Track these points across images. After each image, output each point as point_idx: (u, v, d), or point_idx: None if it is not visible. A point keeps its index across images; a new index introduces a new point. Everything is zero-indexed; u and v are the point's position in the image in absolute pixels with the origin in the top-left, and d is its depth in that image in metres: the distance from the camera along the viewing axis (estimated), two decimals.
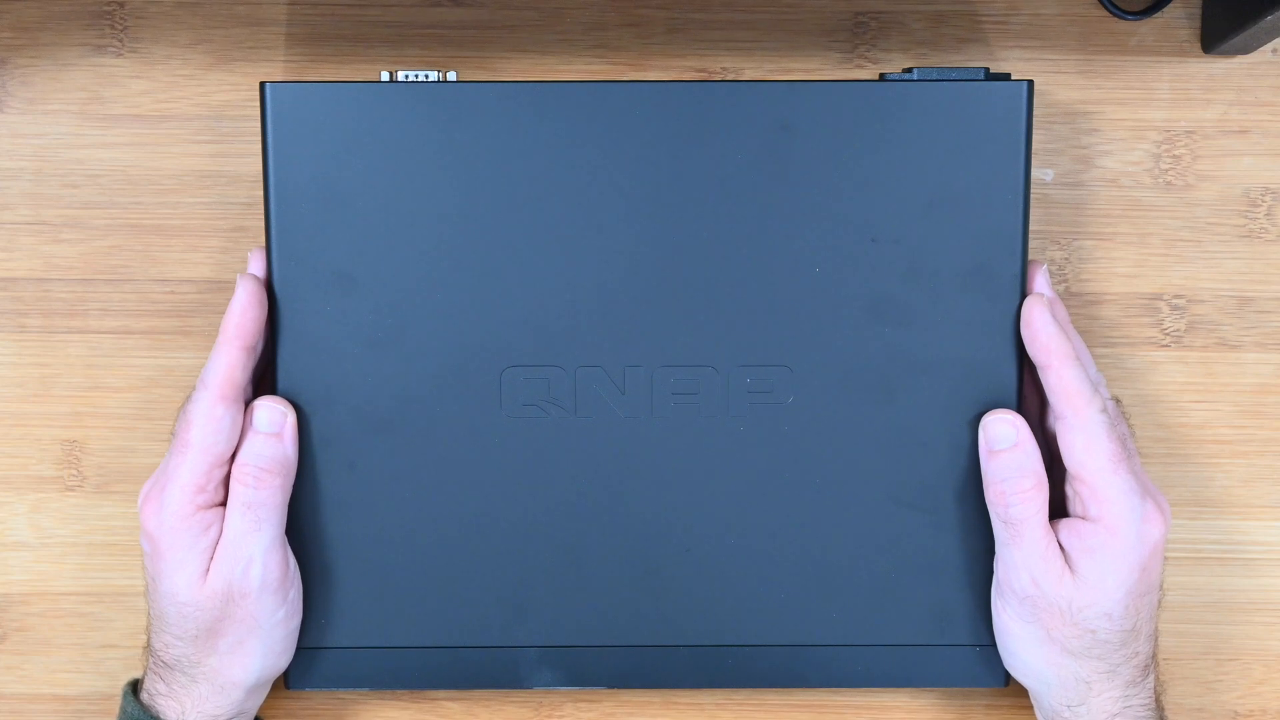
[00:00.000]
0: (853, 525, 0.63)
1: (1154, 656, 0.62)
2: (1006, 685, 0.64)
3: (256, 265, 0.62)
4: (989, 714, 0.69)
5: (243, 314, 0.60)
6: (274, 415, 0.61)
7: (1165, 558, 0.62)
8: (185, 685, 0.61)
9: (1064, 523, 0.61)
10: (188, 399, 0.61)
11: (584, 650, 0.64)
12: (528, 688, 0.64)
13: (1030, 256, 0.62)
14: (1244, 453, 0.69)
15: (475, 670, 0.64)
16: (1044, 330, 0.60)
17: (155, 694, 0.62)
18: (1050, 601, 0.60)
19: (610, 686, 0.65)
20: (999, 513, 0.61)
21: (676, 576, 0.63)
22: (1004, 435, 0.61)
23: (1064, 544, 0.60)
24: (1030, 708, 0.65)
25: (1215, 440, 0.69)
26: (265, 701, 0.68)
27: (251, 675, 0.61)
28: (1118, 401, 0.63)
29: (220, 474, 0.60)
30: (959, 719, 0.69)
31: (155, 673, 0.62)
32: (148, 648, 0.63)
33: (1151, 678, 0.62)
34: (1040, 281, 0.62)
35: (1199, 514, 0.69)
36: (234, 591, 0.60)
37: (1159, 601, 0.62)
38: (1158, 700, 0.62)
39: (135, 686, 0.64)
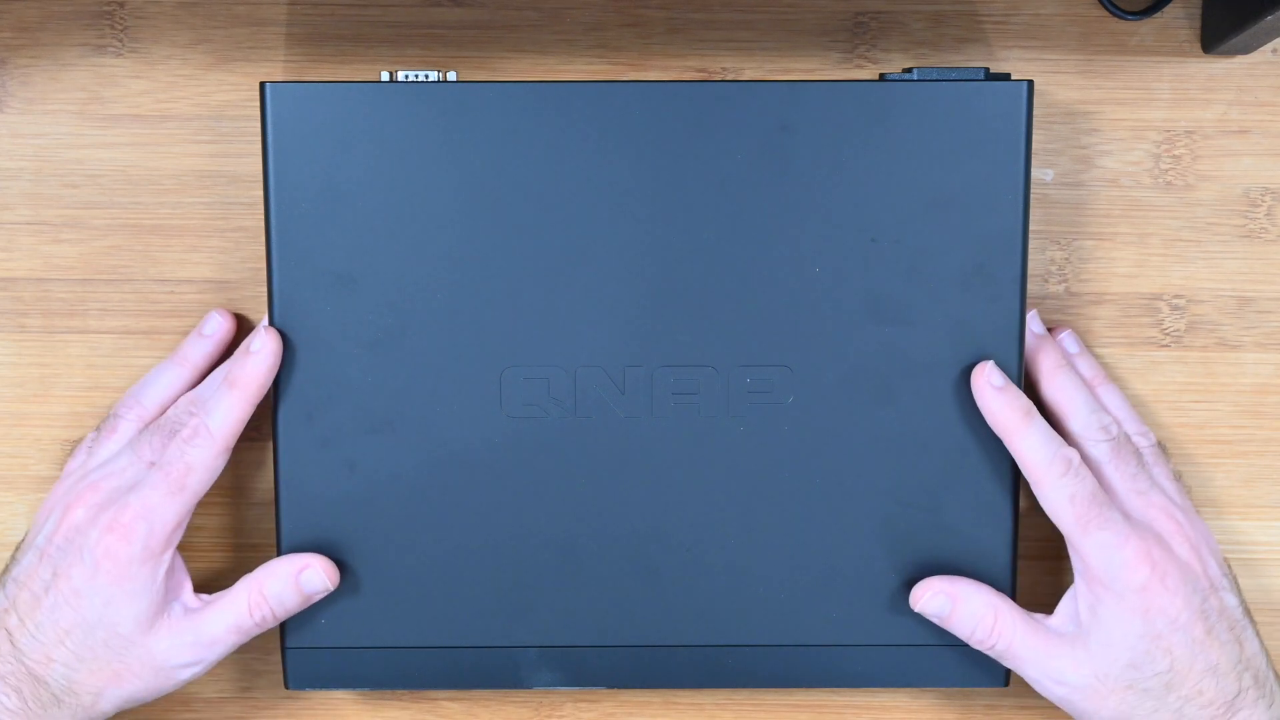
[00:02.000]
0: (853, 525, 0.63)
1: (1244, 688, 0.59)
2: (1007, 685, 0.64)
3: (272, 336, 0.61)
4: (989, 714, 0.69)
5: (268, 372, 0.61)
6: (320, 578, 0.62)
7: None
8: (45, 705, 0.59)
9: (1066, 596, 0.62)
10: (175, 426, 0.61)
11: (584, 650, 0.64)
12: (528, 688, 0.64)
13: (1030, 256, 0.62)
14: (1244, 453, 0.69)
15: (475, 670, 0.64)
16: (989, 404, 0.61)
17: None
18: (1082, 684, 0.60)
19: (610, 686, 0.65)
20: (993, 657, 0.62)
21: (676, 576, 0.63)
22: (938, 610, 0.62)
23: (1075, 611, 0.61)
24: (1031, 707, 0.65)
25: (1215, 440, 0.69)
26: (266, 701, 0.68)
27: (119, 707, 0.61)
28: (1124, 436, 0.63)
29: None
30: (959, 719, 0.69)
31: (9, 685, 0.59)
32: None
33: (1247, 713, 0.59)
34: (1030, 323, 0.64)
35: (1199, 514, 0.69)
36: (172, 660, 0.60)
37: (1215, 631, 0.60)
38: None
39: None
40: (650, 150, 0.61)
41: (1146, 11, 0.67)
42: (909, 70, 0.62)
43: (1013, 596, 0.63)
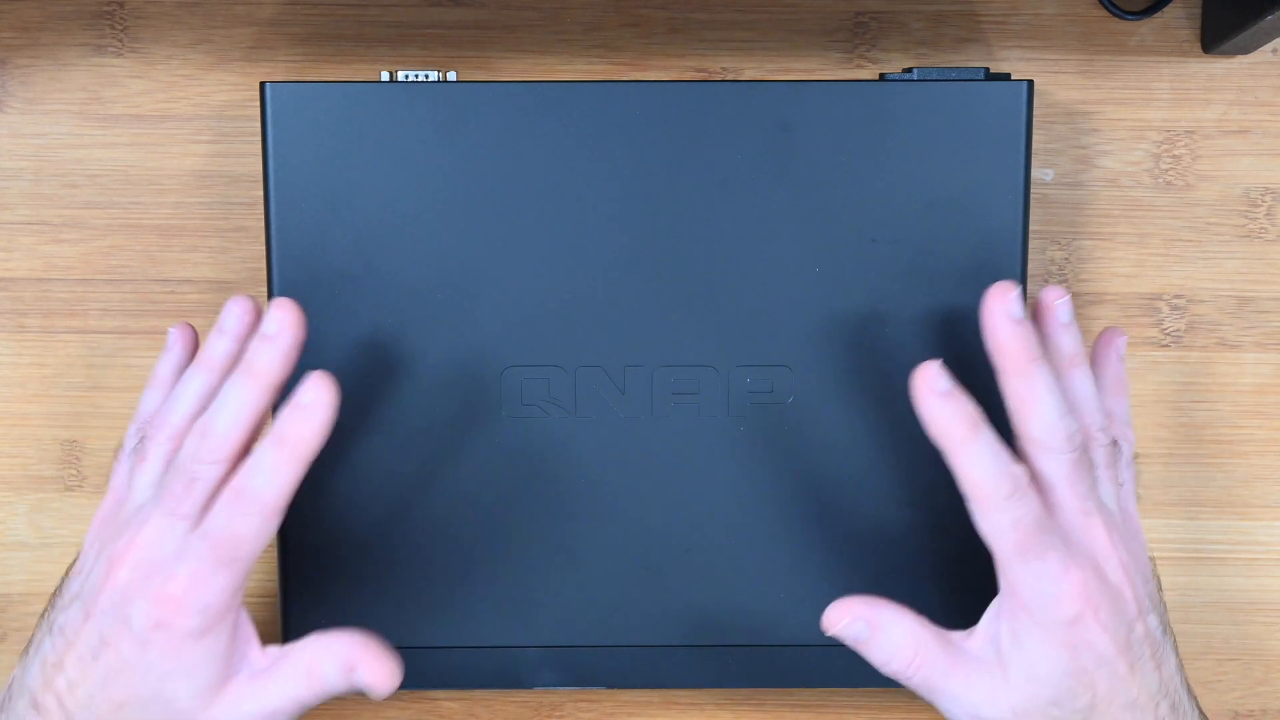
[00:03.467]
0: (853, 525, 0.63)
1: (1161, 718, 0.57)
2: None
3: (326, 387, 0.55)
4: None
5: (323, 430, 0.54)
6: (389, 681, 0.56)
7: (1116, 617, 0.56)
8: None
9: (973, 634, 0.58)
10: (195, 474, 0.55)
11: (584, 650, 0.64)
12: (528, 688, 0.64)
13: (1030, 256, 0.62)
14: (1244, 453, 0.69)
15: (475, 670, 0.64)
16: (931, 412, 0.55)
17: None
18: (1002, 717, 0.57)
19: (610, 686, 0.65)
20: (910, 687, 0.58)
21: (676, 576, 0.63)
22: (854, 636, 0.57)
23: (996, 635, 0.57)
24: None
25: (1215, 440, 0.69)
26: None
27: None
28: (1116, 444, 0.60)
29: None
30: None
31: None
32: (34, 710, 0.55)
33: None
34: (995, 297, 0.56)
35: (1199, 514, 0.69)
36: None
37: (1139, 663, 0.57)
38: None
39: None
40: (650, 150, 0.61)
41: (1146, 11, 0.67)
42: (909, 70, 0.62)
43: None
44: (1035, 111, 0.63)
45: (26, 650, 0.58)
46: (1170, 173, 0.68)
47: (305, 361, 0.62)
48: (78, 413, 0.68)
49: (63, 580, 0.58)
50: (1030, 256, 0.63)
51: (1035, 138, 0.64)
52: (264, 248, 0.62)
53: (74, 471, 0.69)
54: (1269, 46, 0.67)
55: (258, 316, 0.59)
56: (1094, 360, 0.62)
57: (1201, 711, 0.59)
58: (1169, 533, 0.69)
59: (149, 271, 0.68)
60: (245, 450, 0.56)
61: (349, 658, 0.56)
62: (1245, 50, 0.66)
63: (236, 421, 0.55)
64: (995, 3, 0.67)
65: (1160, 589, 0.59)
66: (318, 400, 0.54)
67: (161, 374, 0.61)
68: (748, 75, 0.67)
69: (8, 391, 0.68)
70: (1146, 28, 0.67)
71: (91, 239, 0.68)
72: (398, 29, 0.67)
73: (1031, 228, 0.64)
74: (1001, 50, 0.67)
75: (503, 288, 0.61)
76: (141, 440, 0.59)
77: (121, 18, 0.67)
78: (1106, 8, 0.67)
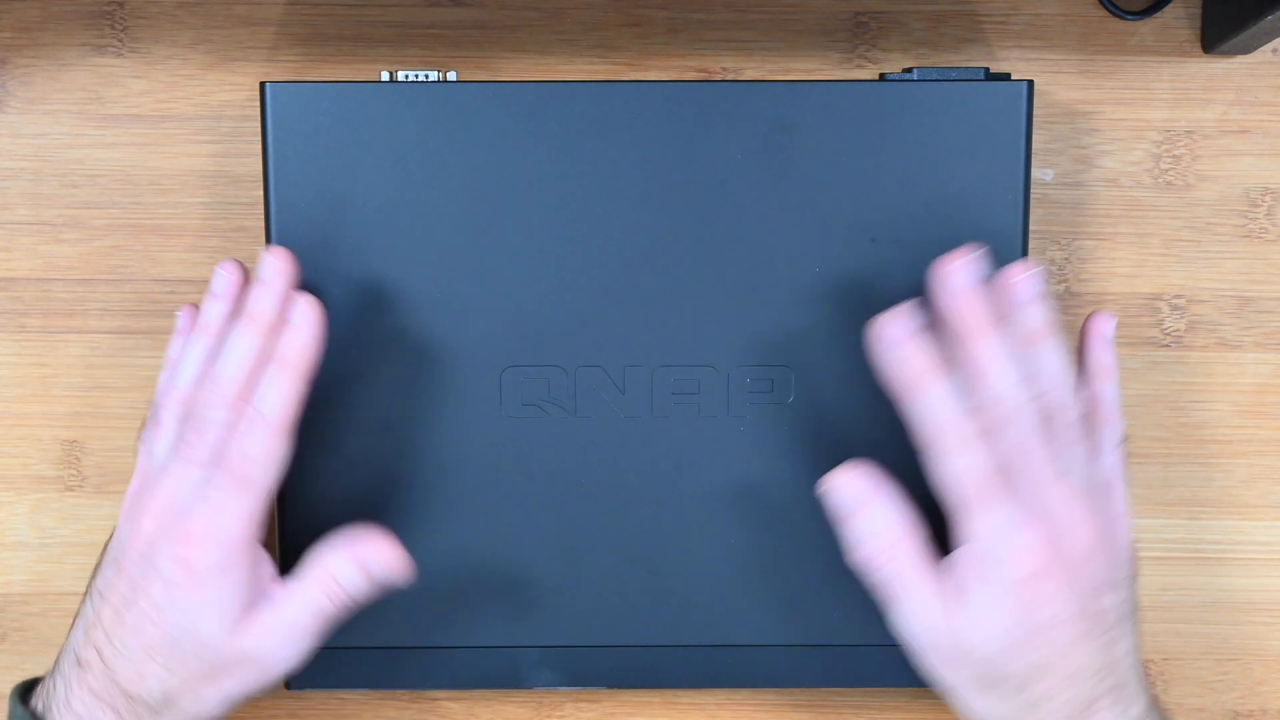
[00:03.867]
0: None
1: (1100, 694, 0.57)
2: None
3: (310, 303, 0.58)
4: None
5: (314, 342, 0.58)
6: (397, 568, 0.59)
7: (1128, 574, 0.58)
8: (143, 719, 0.57)
9: (946, 560, 0.58)
10: (215, 416, 0.57)
11: (584, 650, 0.64)
12: (528, 688, 0.64)
13: (1030, 256, 0.62)
14: (1244, 453, 0.69)
15: (475, 670, 0.64)
16: (885, 361, 0.57)
17: None
18: (940, 645, 0.57)
19: (610, 686, 0.65)
20: (870, 578, 0.58)
21: (676, 576, 0.63)
22: (847, 501, 0.58)
23: (951, 577, 0.57)
24: None
25: (1215, 440, 0.69)
26: (266, 700, 0.68)
27: (224, 708, 0.59)
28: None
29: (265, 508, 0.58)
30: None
31: (107, 704, 0.57)
32: (78, 665, 0.58)
33: (1101, 717, 0.56)
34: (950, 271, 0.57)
35: (1199, 514, 0.69)
36: (266, 655, 0.58)
37: (1089, 635, 0.56)
38: None
39: (26, 693, 0.59)
40: (650, 150, 0.61)
41: (1146, 11, 0.67)
42: (909, 70, 0.62)
43: None
44: (1035, 111, 0.63)
45: (73, 620, 0.60)
46: (1170, 173, 0.68)
47: None
48: (78, 413, 0.68)
49: (101, 554, 0.60)
50: (1030, 256, 0.62)
51: (1035, 138, 0.64)
52: (264, 248, 0.62)
53: (74, 471, 0.69)
54: (1269, 46, 0.67)
55: (246, 278, 0.61)
56: (1080, 346, 0.61)
57: (1155, 705, 0.58)
58: (1169, 533, 0.69)
59: (149, 271, 0.68)
60: (246, 388, 0.58)
61: (359, 556, 0.58)
62: (1245, 50, 0.66)
63: (240, 364, 0.58)
64: (995, 3, 0.67)
65: (1135, 574, 0.59)
66: (305, 317, 0.57)
67: (170, 355, 0.62)
68: (748, 75, 0.67)
69: (8, 391, 0.68)
70: (1146, 28, 0.67)
71: (91, 239, 0.68)
72: (398, 29, 0.67)
73: (1031, 228, 0.64)
74: (1001, 50, 0.67)
75: (502, 287, 0.61)
76: (154, 410, 0.60)
77: (121, 18, 0.67)
78: (1106, 8, 0.67)
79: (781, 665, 0.64)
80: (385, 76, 0.61)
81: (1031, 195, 0.64)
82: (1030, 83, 0.61)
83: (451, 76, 0.62)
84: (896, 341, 0.57)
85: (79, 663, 0.58)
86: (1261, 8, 0.61)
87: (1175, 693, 0.69)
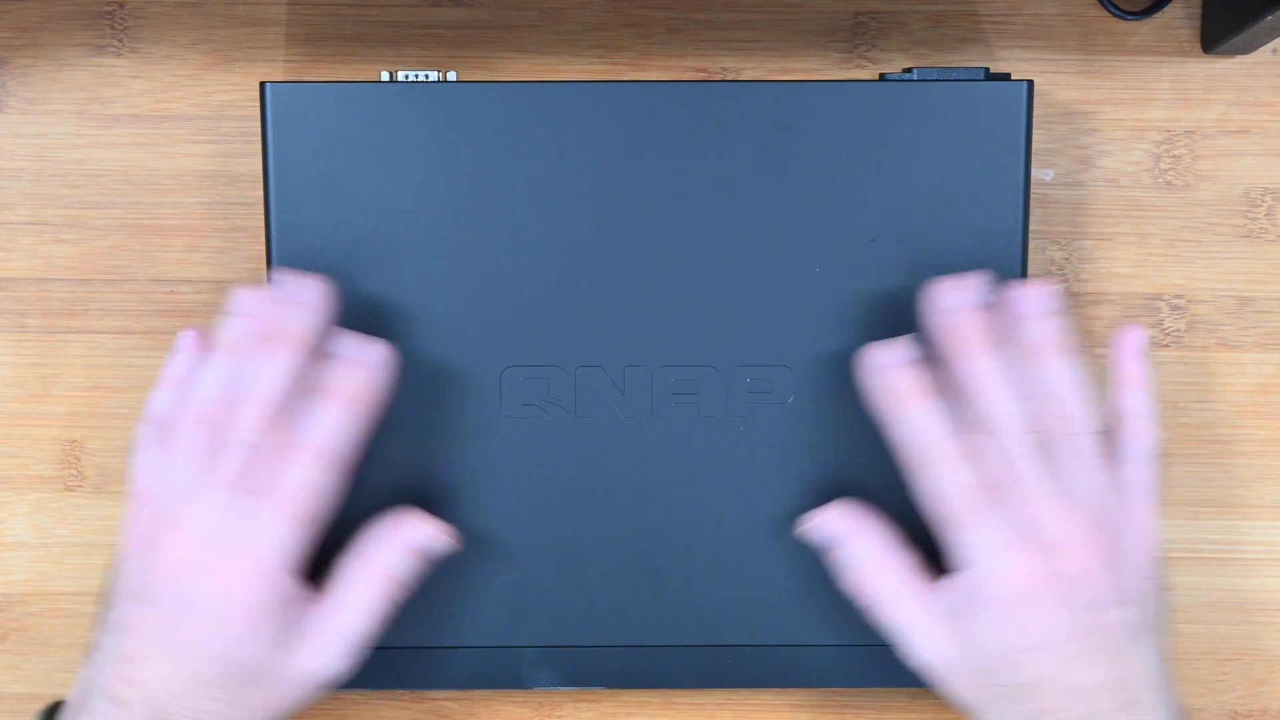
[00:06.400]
0: None
1: (1108, 709, 0.56)
2: None
3: (380, 349, 0.58)
4: None
5: (376, 386, 0.58)
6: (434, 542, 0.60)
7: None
8: None
9: (939, 582, 0.58)
10: (257, 440, 0.56)
11: (584, 650, 0.64)
12: (528, 688, 0.64)
13: (1030, 256, 0.62)
14: (1244, 453, 0.69)
15: (475, 670, 0.64)
16: (871, 386, 0.58)
17: None
18: (937, 665, 0.58)
19: (610, 686, 0.65)
20: (863, 606, 0.60)
21: (676, 576, 0.63)
22: (829, 538, 0.60)
23: (944, 598, 0.58)
24: None
25: (1215, 440, 0.69)
26: None
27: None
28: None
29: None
30: (959, 718, 0.69)
31: None
32: (116, 703, 0.55)
33: None
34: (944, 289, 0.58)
35: (1199, 514, 0.69)
36: (320, 670, 0.58)
37: (1091, 651, 0.56)
38: None
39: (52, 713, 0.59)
40: (650, 150, 0.61)
41: (1146, 11, 0.67)
42: (909, 70, 0.62)
43: None
44: (1035, 111, 0.63)
45: (89, 656, 0.58)
46: (1170, 173, 0.68)
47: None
48: (78, 413, 0.68)
49: (108, 586, 0.59)
50: (1030, 256, 0.63)
51: (1035, 138, 0.64)
52: (264, 248, 0.62)
53: (74, 471, 0.69)
54: (1269, 46, 0.67)
55: (267, 299, 0.59)
56: (1110, 358, 0.61)
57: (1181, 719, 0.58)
58: (1169, 533, 0.69)
59: (149, 271, 0.68)
60: (283, 416, 0.56)
61: (405, 541, 0.59)
62: (1245, 50, 0.66)
63: (272, 384, 0.56)
64: (995, 3, 0.67)
65: (1157, 589, 0.58)
66: (371, 357, 0.58)
67: (172, 374, 0.60)
68: (748, 75, 0.67)
69: (8, 391, 0.68)
70: (1146, 28, 0.67)
71: (91, 239, 0.68)
72: (398, 29, 0.67)
73: (1031, 228, 0.64)
74: (1001, 50, 0.67)
75: (502, 287, 0.61)
76: (166, 431, 0.58)
77: (121, 18, 0.67)
78: (1106, 8, 0.67)
79: (781, 665, 0.64)
80: (385, 77, 0.61)
81: (1031, 195, 0.64)
82: (1030, 83, 0.61)
83: (451, 76, 0.62)
84: (883, 368, 0.58)
85: (114, 701, 0.55)
86: (1261, 8, 0.61)
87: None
